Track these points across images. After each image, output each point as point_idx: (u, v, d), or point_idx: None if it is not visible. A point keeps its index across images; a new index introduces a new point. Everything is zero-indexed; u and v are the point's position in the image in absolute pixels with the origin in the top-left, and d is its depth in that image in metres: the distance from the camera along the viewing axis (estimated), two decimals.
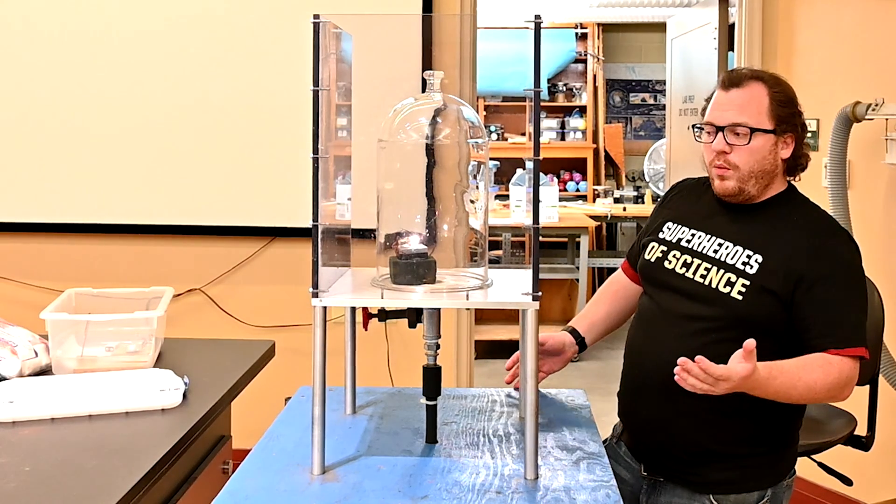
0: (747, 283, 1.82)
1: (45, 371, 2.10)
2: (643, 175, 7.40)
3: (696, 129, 1.93)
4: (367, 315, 1.69)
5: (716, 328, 1.83)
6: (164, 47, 3.64)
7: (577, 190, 7.74)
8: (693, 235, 1.96)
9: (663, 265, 1.96)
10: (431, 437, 1.72)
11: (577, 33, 7.89)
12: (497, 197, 6.77)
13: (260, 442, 1.73)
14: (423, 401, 1.70)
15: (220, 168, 3.67)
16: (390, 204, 1.70)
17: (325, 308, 1.54)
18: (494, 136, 7.64)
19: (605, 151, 7.88)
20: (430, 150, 1.67)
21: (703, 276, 1.88)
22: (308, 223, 1.52)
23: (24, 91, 3.67)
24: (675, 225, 2.01)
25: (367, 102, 1.82)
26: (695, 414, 1.86)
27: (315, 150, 1.51)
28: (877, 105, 3.10)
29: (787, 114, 1.86)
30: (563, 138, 7.96)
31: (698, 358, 1.62)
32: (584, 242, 5.79)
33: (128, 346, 2.13)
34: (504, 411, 1.92)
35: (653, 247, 2.02)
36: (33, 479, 1.54)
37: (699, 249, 1.92)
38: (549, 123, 7.90)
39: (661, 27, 6.52)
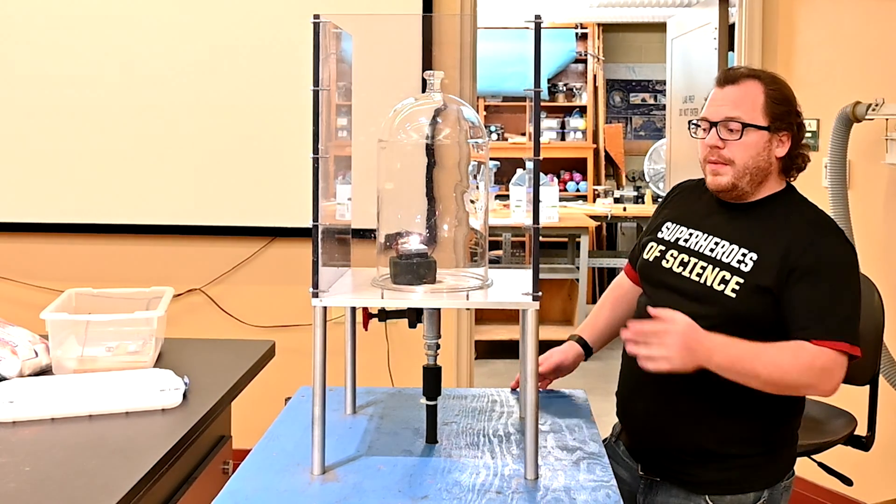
0: (741, 280, 1.82)
1: (45, 371, 2.10)
2: (643, 175, 7.40)
3: (692, 126, 1.95)
4: (367, 315, 1.69)
5: (710, 326, 1.83)
6: (164, 47, 3.64)
7: (578, 190, 7.74)
8: (691, 234, 1.96)
9: (661, 264, 1.97)
10: (431, 437, 1.72)
11: (577, 33, 7.89)
12: (497, 197, 6.77)
13: (260, 442, 1.73)
14: (424, 401, 1.70)
15: (220, 168, 3.67)
16: (390, 204, 1.70)
17: (325, 308, 1.54)
18: (494, 136, 7.64)
19: (606, 151, 7.88)
20: (430, 150, 1.67)
21: (699, 275, 1.89)
22: (308, 223, 1.52)
23: (24, 91, 3.67)
24: (674, 224, 2.02)
25: (367, 102, 1.82)
26: (691, 414, 1.87)
27: (315, 150, 1.52)
28: (877, 105, 3.10)
29: (782, 112, 1.86)
30: (563, 138, 7.96)
31: (629, 323, 1.71)
32: (585, 242, 5.79)
33: (128, 346, 2.13)
34: (504, 411, 1.92)
35: (651, 246, 2.03)
36: (33, 479, 1.54)
37: (696, 248, 1.93)
38: (550, 123, 7.90)
39: (661, 27, 6.52)
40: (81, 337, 2.12)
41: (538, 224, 1.51)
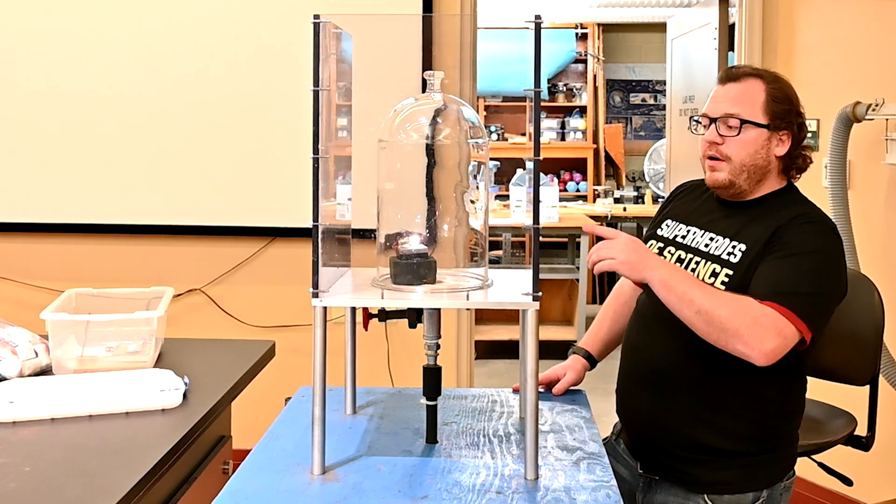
0: (730, 272, 1.83)
1: (45, 371, 2.10)
2: (643, 175, 7.40)
3: (692, 122, 1.95)
4: (368, 315, 1.69)
5: None
6: (164, 47, 3.65)
7: (578, 190, 7.74)
8: (688, 232, 1.98)
9: None
10: (431, 438, 1.72)
11: (577, 33, 7.89)
12: (497, 197, 6.77)
13: (260, 442, 1.73)
14: (424, 401, 1.70)
15: (220, 168, 3.67)
16: (390, 204, 1.70)
17: (325, 308, 1.54)
18: (494, 137, 7.64)
19: (606, 151, 7.88)
20: (430, 151, 1.67)
21: (693, 270, 1.90)
22: (308, 223, 1.52)
23: (24, 91, 3.67)
24: (674, 222, 2.03)
25: (367, 102, 1.82)
26: (689, 413, 1.87)
27: (315, 150, 1.51)
28: (877, 105, 3.10)
29: (782, 110, 1.86)
30: (563, 138, 7.96)
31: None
32: (585, 242, 5.79)
33: (128, 347, 2.13)
34: (504, 411, 1.92)
35: (651, 244, 2.05)
36: (33, 480, 1.54)
37: (692, 245, 1.94)
38: (550, 123, 7.90)
39: (661, 27, 6.52)
40: (81, 337, 2.12)
41: (538, 224, 1.50)
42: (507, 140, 7.74)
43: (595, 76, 7.92)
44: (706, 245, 1.91)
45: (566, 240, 6.44)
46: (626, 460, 2.03)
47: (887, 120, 3.15)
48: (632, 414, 2.01)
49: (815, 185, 3.29)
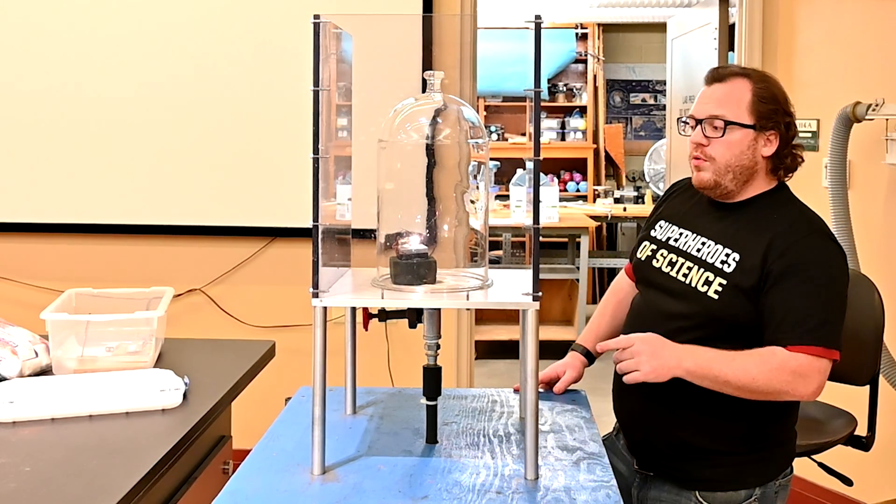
0: (724, 282, 1.83)
1: (45, 371, 2.10)
2: (643, 175, 7.40)
3: (680, 123, 1.95)
4: (368, 315, 1.69)
5: (691, 327, 1.84)
6: (164, 47, 3.64)
7: (578, 190, 7.74)
8: (681, 234, 1.98)
9: (652, 264, 2.00)
10: (432, 438, 1.72)
11: (577, 33, 7.89)
12: (497, 197, 6.77)
13: (260, 442, 1.73)
14: (424, 401, 1.70)
15: (220, 168, 3.67)
16: (390, 204, 1.70)
17: (325, 308, 1.54)
18: (495, 137, 7.64)
19: (606, 151, 7.88)
20: (430, 151, 1.67)
21: (685, 275, 1.90)
22: (308, 223, 1.52)
23: (24, 91, 3.67)
24: (667, 224, 2.03)
25: (367, 102, 1.82)
26: (679, 411, 1.87)
27: (315, 150, 1.51)
28: (877, 105, 3.09)
29: (768, 110, 1.85)
30: (563, 138, 7.96)
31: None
32: (585, 243, 5.79)
33: (128, 347, 2.13)
34: (504, 411, 1.92)
35: (645, 245, 2.05)
36: (33, 480, 1.54)
37: (684, 248, 1.94)
38: (550, 123, 7.90)
39: (661, 27, 6.53)
40: (81, 337, 2.12)
41: (538, 224, 1.51)
42: (507, 140, 7.74)
43: (595, 76, 7.92)
44: (698, 250, 1.91)
45: (566, 240, 6.43)
46: (625, 456, 2.04)
47: (887, 120, 3.15)
48: (626, 415, 2.02)
49: (815, 185, 3.29)
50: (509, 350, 5.43)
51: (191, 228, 3.70)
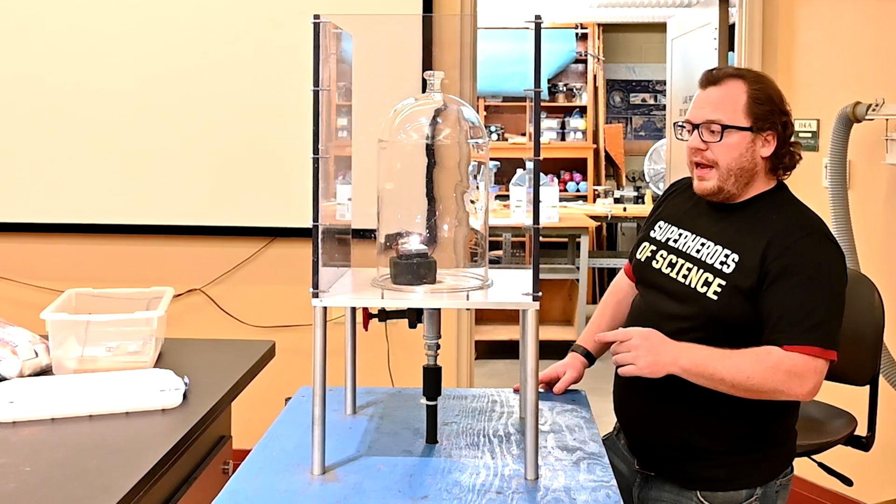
0: (723, 283, 1.83)
1: (45, 371, 2.10)
2: (643, 175, 7.40)
3: (676, 127, 1.95)
4: (368, 315, 1.69)
5: (691, 328, 1.84)
6: (164, 48, 3.64)
7: (578, 190, 7.74)
8: (680, 235, 1.98)
9: (651, 265, 2.00)
10: (431, 438, 1.72)
11: (577, 33, 7.89)
12: (497, 197, 6.77)
13: (260, 442, 1.73)
14: (424, 401, 1.70)
15: (220, 168, 3.67)
16: (390, 204, 1.70)
17: (325, 308, 1.54)
18: (495, 137, 7.64)
19: (606, 152, 7.88)
20: (430, 151, 1.68)
21: (685, 276, 1.90)
22: (308, 223, 1.52)
23: (23, 91, 3.67)
24: (666, 224, 2.03)
25: (367, 102, 1.82)
26: (678, 411, 1.87)
27: (315, 150, 1.52)
28: (877, 105, 3.09)
29: (764, 111, 1.85)
30: (563, 138, 7.96)
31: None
32: (585, 243, 5.79)
33: (128, 347, 2.13)
34: (504, 411, 1.92)
35: (644, 246, 2.05)
36: (33, 480, 1.54)
37: (684, 249, 1.94)
38: (550, 123, 7.90)
39: (661, 27, 6.52)
40: (81, 337, 2.12)
41: (538, 224, 1.51)
42: (507, 140, 7.74)
43: (595, 76, 7.92)
44: (697, 251, 1.91)
45: (566, 240, 6.43)
46: (625, 455, 2.04)
47: (887, 120, 3.15)
48: (626, 414, 2.02)
49: (815, 186, 3.29)
50: (509, 350, 5.43)
51: (191, 228, 3.70)
